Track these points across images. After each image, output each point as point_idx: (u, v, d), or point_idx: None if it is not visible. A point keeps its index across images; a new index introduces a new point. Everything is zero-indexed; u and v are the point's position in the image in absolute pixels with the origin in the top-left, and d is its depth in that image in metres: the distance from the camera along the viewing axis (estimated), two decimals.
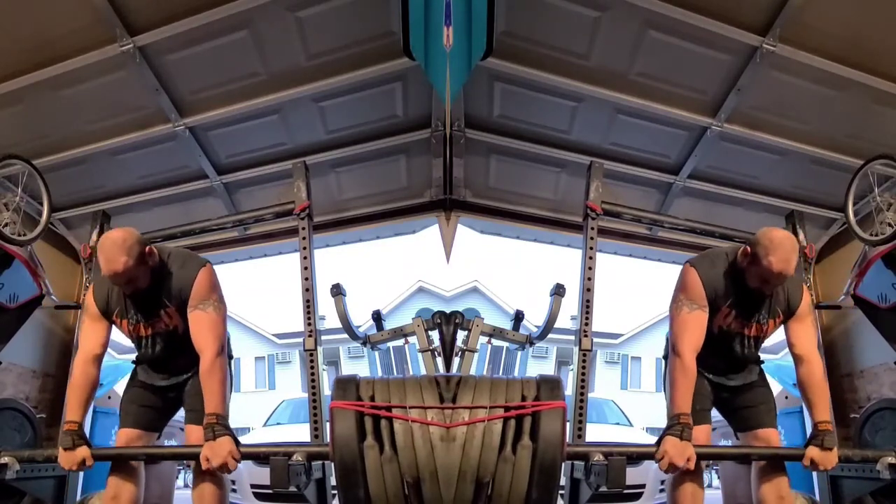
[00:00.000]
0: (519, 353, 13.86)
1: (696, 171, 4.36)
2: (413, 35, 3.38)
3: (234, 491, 5.76)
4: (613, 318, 21.24)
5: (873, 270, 4.06)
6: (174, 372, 3.06)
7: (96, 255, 4.01)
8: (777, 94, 3.80)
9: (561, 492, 3.99)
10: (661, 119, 3.98)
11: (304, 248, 3.92)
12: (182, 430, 3.39)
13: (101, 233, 4.11)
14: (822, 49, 3.51)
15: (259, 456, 2.99)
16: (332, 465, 2.70)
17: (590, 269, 3.84)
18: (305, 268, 3.92)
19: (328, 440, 2.77)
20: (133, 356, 3.13)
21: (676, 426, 2.75)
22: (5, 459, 2.97)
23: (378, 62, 3.61)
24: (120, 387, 4.46)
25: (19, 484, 3.34)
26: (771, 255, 2.65)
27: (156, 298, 2.87)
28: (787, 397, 4.66)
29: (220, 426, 2.73)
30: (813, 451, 2.75)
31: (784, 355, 4.35)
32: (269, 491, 4.12)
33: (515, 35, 3.49)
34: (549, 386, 2.72)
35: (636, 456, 3.00)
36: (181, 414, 3.14)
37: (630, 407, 9.40)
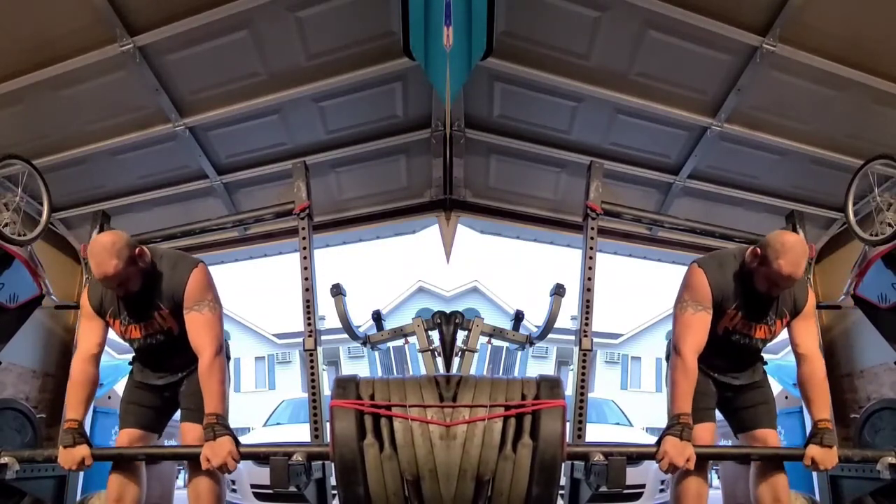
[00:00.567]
0: (519, 353, 13.86)
1: (696, 171, 4.36)
2: (413, 35, 3.38)
3: (233, 491, 5.77)
4: (613, 318, 21.23)
5: (873, 270, 4.06)
6: (170, 371, 3.05)
7: None
8: (777, 94, 3.80)
9: (561, 492, 3.99)
10: (661, 119, 3.98)
11: (304, 248, 3.92)
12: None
13: (101, 233, 4.11)
14: (821, 49, 3.51)
15: (259, 456, 2.99)
16: (332, 464, 2.71)
17: (590, 269, 3.84)
18: (305, 268, 3.92)
19: (328, 440, 2.77)
20: (131, 355, 3.14)
21: (676, 426, 2.75)
22: (5, 459, 2.97)
23: (378, 62, 3.60)
24: (120, 387, 4.46)
25: (19, 484, 3.34)
26: (781, 258, 2.65)
27: (148, 300, 2.86)
28: (787, 397, 4.66)
29: (220, 426, 2.73)
30: (813, 450, 2.76)
31: (784, 355, 4.36)
32: (269, 491, 4.12)
33: (515, 35, 3.49)
34: (549, 385, 2.72)
35: (636, 456, 3.00)
36: (176, 414, 3.16)
37: (630, 407, 9.40)
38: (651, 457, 2.83)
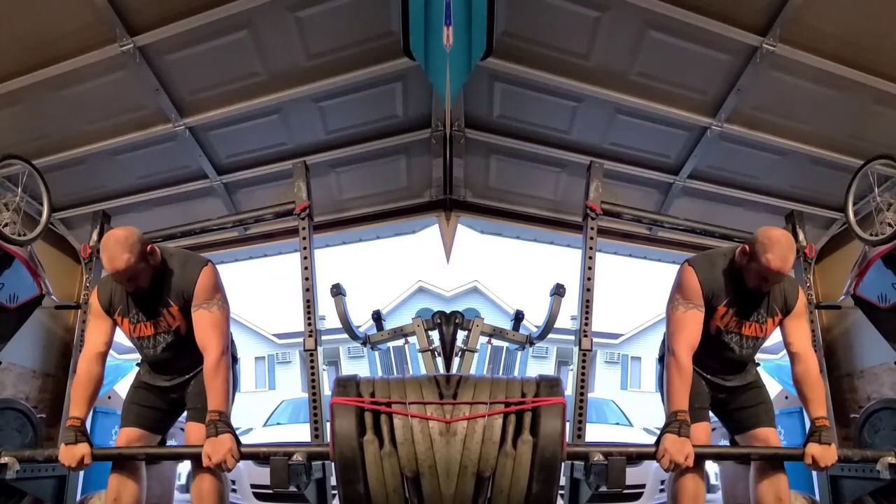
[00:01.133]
0: (519, 353, 13.85)
1: (696, 171, 4.36)
2: (413, 35, 3.38)
3: (233, 491, 5.77)
4: (613, 318, 21.21)
5: (873, 270, 4.06)
6: (177, 372, 3.06)
7: (97, 255, 4.04)
8: (777, 94, 3.80)
9: (561, 492, 3.99)
10: (661, 119, 3.98)
11: (305, 248, 3.92)
12: (182, 430, 3.39)
13: (101, 233, 4.12)
14: (821, 49, 3.51)
15: (259, 456, 2.99)
16: (332, 464, 2.71)
17: (590, 269, 3.84)
18: (306, 268, 3.92)
19: (328, 440, 2.77)
20: (133, 356, 3.14)
21: (674, 423, 2.76)
22: (5, 459, 2.97)
23: (378, 62, 3.60)
24: (120, 387, 4.48)
25: (19, 484, 3.33)
26: (769, 252, 2.69)
27: (158, 298, 2.88)
28: (787, 397, 4.66)
29: (222, 423, 2.74)
30: (813, 448, 2.76)
31: (783, 356, 4.35)
32: (269, 491, 4.11)
33: (515, 35, 3.49)
34: (549, 385, 2.73)
35: (636, 456, 3.00)
36: (181, 415, 3.16)
37: (630, 407, 9.39)
38: (651, 457, 2.83)
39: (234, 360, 3.13)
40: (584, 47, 3.56)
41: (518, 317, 4.78)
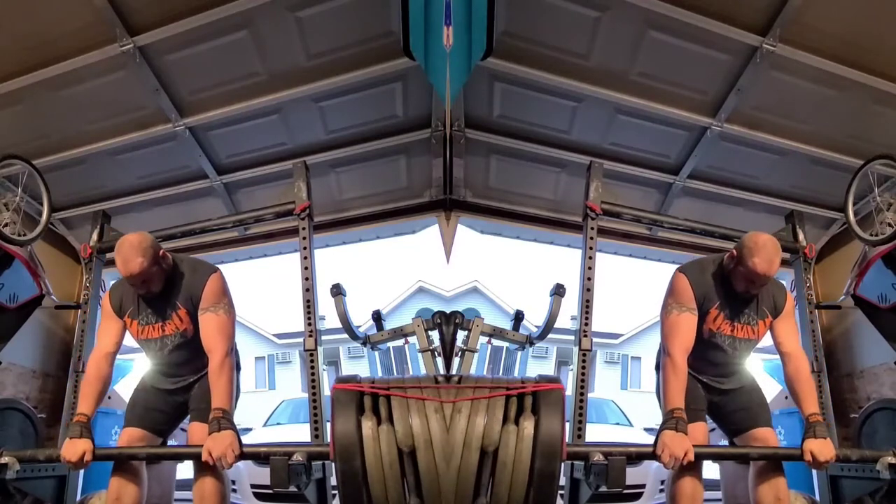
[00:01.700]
0: (519, 353, 13.86)
1: (696, 171, 4.36)
2: (413, 35, 3.38)
3: (233, 491, 5.76)
4: (613, 318, 21.22)
5: (873, 270, 4.06)
6: (182, 375, 3.11)
7: (97, 255, 4.05)
8: (777, 94, 3.80)
9: (561, 492, 3.98)
10: (661, 119, 3.98)
11: (305, 248, 3.91)
12: (183, 430, 3.39)
13: (101, 233, 4.11)
14: (821, 49, 3.51)
15: (259, 456, 3.00)
16: (332, 464, 2.71)
17: (589, 269, 3.83)
18: (306, 268, 3.91)
19: (328, 440, 2.78)
20: (132, 356, 3.16)
21: (671, 420, 2.81)
22: (6, 459, 2.98)
23: (378, 62, 3.61)
24: (120, 387, 4.47)
25: (19, 484, 3.33)
26: (755, 256, 2.79)
27: (167, 300, 2.95)
28: (786, 397, 4.65)
29: (225, 420, 2.79)
30: (811, 444, 2.80)
31: None
32: (269, 491, 4.11)
33: (515, 35, 3.49)
34: (549, 380, 2.78)
35: (636, 456, 3.01)
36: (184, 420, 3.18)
37: (630, 407, 9.39)
38: (651, 456, 2.84)
39: (237, 368, 3.18)
40: (584, 47, 3.56)
41: (518, 317, 4.77)
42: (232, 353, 2.96)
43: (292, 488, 2.99)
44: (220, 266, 3.18)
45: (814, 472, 3.91)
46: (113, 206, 4.51)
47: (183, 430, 3.54)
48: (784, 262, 3.68)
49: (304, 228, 3.88)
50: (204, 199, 4.58)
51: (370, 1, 3.37)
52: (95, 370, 2.91)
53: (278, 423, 7.54)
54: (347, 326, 4.49)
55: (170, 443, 3.35)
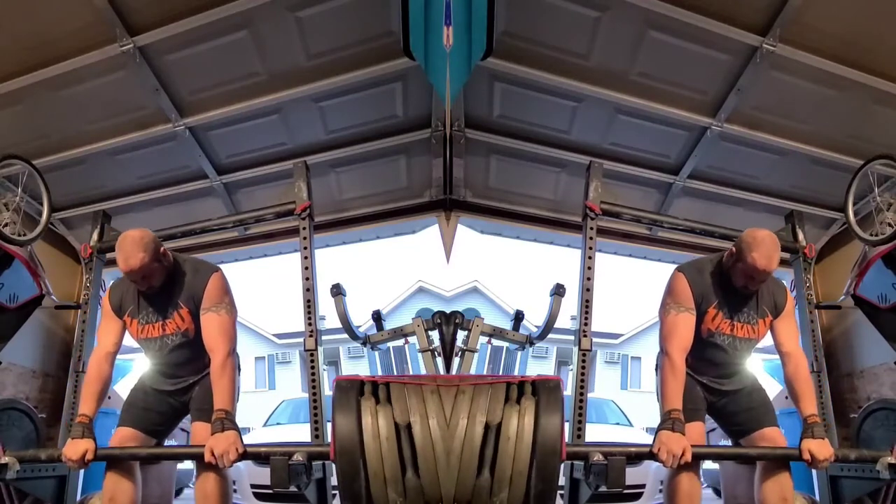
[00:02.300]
0: (519, 353, 13.86)
1: (696, 171, 4.36)
2: (413, 35, 3.38)
3: (234, 491, 5.76)
4: (613, 318, 21.25)
5: (873, 270, 4.06)
6: (182, 376, 3.10)
7: (97, 255, 4.05)
8: (777, 94, 3.80)
9: (560, 492, 3.99)
10: (661, 119, 3.98)
11: (305, 248, 3.91)
12: (183, 430, 3.39)
13: (101, 233, 4.11)
14: (821, 49, 3.51)
15: (259, 456, 2.99)
16: (333, 465, 2.73)
17: (589, 269, 3.83)
18: (306, 268, 3.91)
19: (329, 440, 2.78)
20: (131, 356, 3.16)
21: (668, 420, 2.82)
22: (6, 459, 2.98)
23: (378, 62, 3.60)
24: (120, 387, 4.46)
25: (20, 484, 3.34)
26: (754, 251, 2.79)
27: (169, 299, 2.95)
28: (787, 397, 4.65)
29: (228, 421, 2.79)
30: (809, 444, 2.81)
31: None
32: (270, 491, 4.11)
33: (515, 35, 3.49)
34: (548, 380, 2.82)
35: (636, 456, 3.01)
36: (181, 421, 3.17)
37: (630, 407, 9.37)
38: (650, 456, 2.84)
39: (238, 370, 3.17)
40: (584, 47, 3.56)
41: (518, 317, 4.77)
42: (234, 352, 2.96)
43: (292, 488, 2.99)
44: (220, 266, 3.19)
45: (814, 472, 3.91)
46: (113, 206, 4.51)
47: (183, 430, 3.54)
48: (784, 262, 3.69)
49: (304, 228, 3.88)
50: (204, 199, 4.57)
51: (370, 1, 3.37)
52: (96, 370, 2.91)
53: (278, 424, 7.54)
54: (347, 326, 4.50)
55: (171, 443, 3.35)
